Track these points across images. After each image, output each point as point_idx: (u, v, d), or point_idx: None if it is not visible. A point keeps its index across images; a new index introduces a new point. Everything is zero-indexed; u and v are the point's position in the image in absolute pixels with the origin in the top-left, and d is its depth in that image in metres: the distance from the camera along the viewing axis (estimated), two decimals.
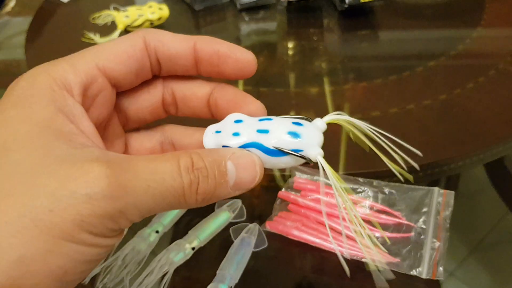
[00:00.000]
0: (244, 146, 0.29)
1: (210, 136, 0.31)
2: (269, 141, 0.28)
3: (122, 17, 0.84)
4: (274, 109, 0.34)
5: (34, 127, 0.25)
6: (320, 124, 0.30)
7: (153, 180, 0.25)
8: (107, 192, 0.23)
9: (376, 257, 0.43)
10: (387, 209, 0.49)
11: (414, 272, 0.44)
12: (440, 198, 0.49)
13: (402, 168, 0.31)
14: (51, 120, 0.25)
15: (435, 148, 0.57)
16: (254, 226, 0.49)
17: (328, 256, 0.48)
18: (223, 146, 0.29)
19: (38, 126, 0.25)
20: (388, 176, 0.52)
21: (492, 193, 0.61)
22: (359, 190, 0.50)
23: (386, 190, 0.50)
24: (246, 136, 0.29)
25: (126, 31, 0.84)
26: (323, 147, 0.30)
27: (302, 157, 0.29)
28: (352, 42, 0.84)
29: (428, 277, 0.43)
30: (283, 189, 0.52)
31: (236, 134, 0.29)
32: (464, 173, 0.59)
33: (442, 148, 0.57)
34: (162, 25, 0.87)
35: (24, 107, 0.25)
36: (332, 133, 0.32)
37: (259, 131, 0.29)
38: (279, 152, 0.28)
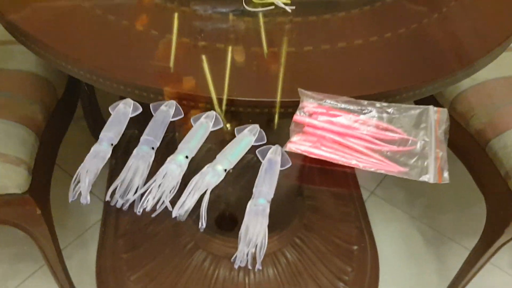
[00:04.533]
0: None
1: None
2: None
3: None
4: None
5: None
6: None
7: None
8: None
9: (388, 168, 0.50)
10: (391, 127, 0.55)
11: (423, 179, 0.51)
12: (435, 115, 0.56)
13: None
14: None
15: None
16: (277, 148, 0.53)
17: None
18: None
19: None
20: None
21: None
22: (366, 111, 0.56)
23: (389, 110, 0.56)
24: None
25: None
26: None
27: None
28: None
29: (435, 182, 0.51)
30: (297, 113, 0.56)
31: None
32: None
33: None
34: None
35: None
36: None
37: None
38: None
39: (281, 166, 0.52)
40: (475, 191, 0.97)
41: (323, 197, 1.21)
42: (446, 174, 0.51)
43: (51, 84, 0.85)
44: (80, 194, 0.49)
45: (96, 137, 0.54)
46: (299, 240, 1.15)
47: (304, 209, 1.16)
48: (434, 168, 0.51)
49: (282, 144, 0.54)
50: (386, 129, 0.55)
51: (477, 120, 0.93)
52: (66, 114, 0.98)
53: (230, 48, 0.64)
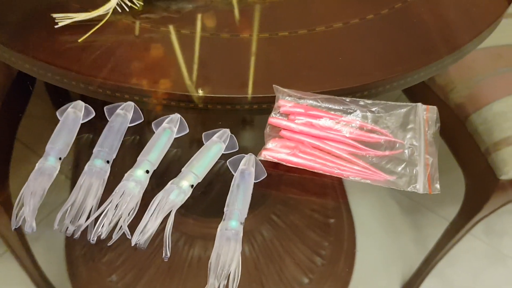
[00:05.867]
0: None
1: None
2: None
3: None
4: None
5: None
6: None
7: None
8: None
9: (374, 177, 0.45)
10: (377, 128, 0.50)
11: (412, 189, 0.46)
12: (424, 114, 0.51)
13: None
14: None
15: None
16: (250, 157, 0.47)
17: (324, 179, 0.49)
18: None
19: None
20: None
21: None
22: (350, 110, 0.50)
23: (373, 109, 0.51)
24: None
25: None
26: None
27: None
28: None
29: (425, 192, 0.46)
30: (272, 115, 0.50)
31: None
32: None
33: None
34: None
35: None
36: None
37: None
38: None
39: (256, 179, 0.46)
40: (451, 160, 0.95)
41: (300, 170, 1.18)
42: (437, 184, 0.46)
43: (4, 63, 0.76)
44: (24, 220, 0.42)
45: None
46: (275, 217, 1.12)
47: (280, 183, 1.13)
48: (424, 177, 0.46)
49: (257, 151, 0.49)
50: (371, 131, 0.49)
51: (456, 93, 0.90)
52: (23, 92, 0.90)
53: (198, 35, 0.57)
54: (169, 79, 0.52)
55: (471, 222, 1.00)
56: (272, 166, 0.48)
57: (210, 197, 0.48)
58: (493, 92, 0.86)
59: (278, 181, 0.50)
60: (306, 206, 1.26)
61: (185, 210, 0.49)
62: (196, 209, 0.48)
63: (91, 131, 0.51)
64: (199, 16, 0.60)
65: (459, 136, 0.93)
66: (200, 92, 0.50)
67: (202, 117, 0.55)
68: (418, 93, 1.03)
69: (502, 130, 0.83)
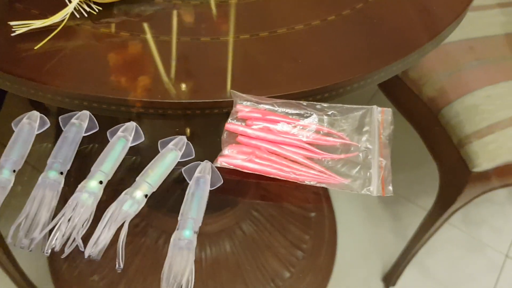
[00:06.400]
0: None
1: None
2: None
3: None
4: None
5: None
6: None
7: None
8: None
9: (330, 181, 0.45)
10: (333, 131, 0.50)
11: (365, 191, 0.47)
12: (379, 116, 0.51)
13: None
14: None
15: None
16: (206, 164, 0.47)
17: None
18: None
19: None
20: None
21: None
22: (306, 114, 0.50)
23: (329, 112, 0.51)
24: None
25: None
26: None
27: None
28: None
29: (378, 194, 0.47)
30: (229, 120, 0.50)
31: None
32: None
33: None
34: None
35: None
36: None
37: None
38: None
39: (211, 186, 0.47)
40: (426, 151, 0.96)
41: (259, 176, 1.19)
42: (390, 187, 0.47)
43: None
44: None
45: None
46: (256, 212, 1.12)
47: (233, 185, 1.14)
48: (377, 179, 0.47)
49: (213, 157, 0.49)
50: (328, 134, 0.50)
51: (429, 87, 0.90)
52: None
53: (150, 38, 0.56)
54: (129, 83, 0.52)
55: (447, 212, 1.01)
56: (228, 172, 0.49)
57: (168, 204, 0.48)
58: (464, 85, 0.87)
59: (248, 185, 0.50)
60: (286, 200, 1.27)
61: (166, 208, 0.49)
62: (176, 207, 0.48)
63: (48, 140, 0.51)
64: (159, 19, 0.60)
65: (432, 129, 0.94)
66: (154, 95, 0.50)
67: (161, 123, 0.56)
68: (391, 88, 1.04)
69: (473, 123, 0.84)
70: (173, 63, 0.55)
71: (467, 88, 0.87)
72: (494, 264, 1.18)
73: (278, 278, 1.13)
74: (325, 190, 1.23)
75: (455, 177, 0.96)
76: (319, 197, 1.25)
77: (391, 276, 1.18)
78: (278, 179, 0.48)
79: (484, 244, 1.26)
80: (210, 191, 0.46)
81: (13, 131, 0.48)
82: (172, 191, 0.49)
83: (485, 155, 0.83)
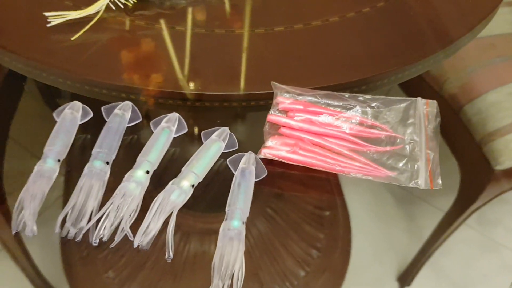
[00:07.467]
0: None
1: None
2: None
3: None
4: None
5: None
6: None
7: None
8: None
9: (376, 173, 0.45)
10: (377, 123, 0.49)
11: (413, 184, 0.46)
12: (424, 108, 0.50)
13: None
14: None
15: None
16: (250, 155, 0.47)
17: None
18: None
19: None
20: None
21: None
22: (349, 106, 0.50)
23: (373, 104, 0.50)
24: None
25: None
26: None
27: None
28: None
29: (426, 187, 0.46)
30: (271, 112, 0.49)
31: None
32: None
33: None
34: None
35: None
36: None
37: None
38: None
39: (256, 177, 0.46)
40: (445, 151, 0.96)
41: (297, 167, 1.19)
42: (439, 180, 0.46)
43: None
44: (25, 224, 0.42)
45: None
46: (270, 210, 1.12)
47: (274, 176, 1.13)
48: (425, 172, 0.46)
49: (256, 148, 0.48)
50: (371, 126, 0.49)
51: (450, 84, 0.90)
52: (15, 89, 0.89)
53: (189, 31, 0.56)
54: (164, 77, 0.51)
55: (466, 212, 1.00)
56: (268, 163, 0.48)
57: (209, 195, 0.48)
58: (486, 82, 0.86)
59: (273, 177, 0.50)
60: (301, 199, 1.26)
61: (182, 206, 0.49)
62: (192, 206, 0.48)
63: (87, 131, 0.50)
64: (193, 12, 0.60)
65: (453, 127, 0.93)
66: (192, 87, 0.50)
67: (200, 115, 0.55)
68: (412, 85, 1.04)
69: (496, 121, 0.83)
70: (207, 56, 0.54)
71: (489, 85, 0.86)
72: (509, 264, 1.17)
73: (293, 277, 1.12)
74: (339, 189, 1.23)
75: (477, 175, 0.96)
76: (333, 196, 1.25)
77: (406, 276, 1.17)
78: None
79: (499, 244, 1.25)
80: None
81: (29, 131, 0.48)
82: None
83: (509, 153, 0.82)
